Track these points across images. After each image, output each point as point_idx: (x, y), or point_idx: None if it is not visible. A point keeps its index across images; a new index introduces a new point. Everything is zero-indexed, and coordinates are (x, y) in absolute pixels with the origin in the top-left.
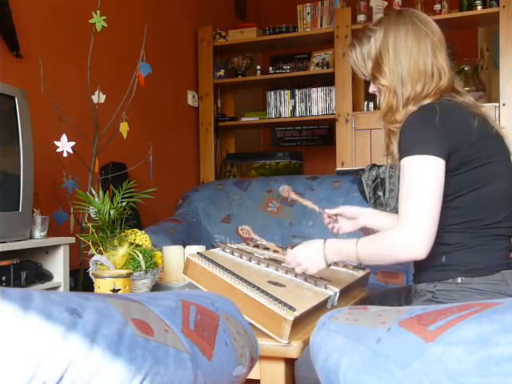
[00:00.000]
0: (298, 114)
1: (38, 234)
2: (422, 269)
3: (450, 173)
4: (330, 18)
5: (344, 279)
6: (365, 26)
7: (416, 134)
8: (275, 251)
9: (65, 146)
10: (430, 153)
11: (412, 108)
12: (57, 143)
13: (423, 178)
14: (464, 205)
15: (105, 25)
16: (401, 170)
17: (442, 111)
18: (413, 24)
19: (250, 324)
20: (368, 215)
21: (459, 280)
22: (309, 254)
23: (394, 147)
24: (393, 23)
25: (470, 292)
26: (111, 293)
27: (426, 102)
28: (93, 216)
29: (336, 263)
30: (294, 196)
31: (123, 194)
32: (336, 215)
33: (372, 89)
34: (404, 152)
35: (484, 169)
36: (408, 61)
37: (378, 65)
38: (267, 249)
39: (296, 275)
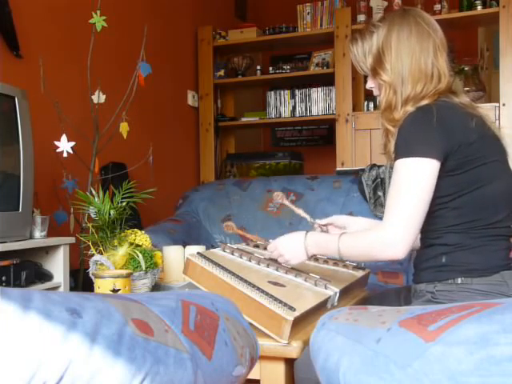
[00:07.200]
0: (298, 113)
1: (37, 234)
2: (421, 269)
3: (449, 173)
4: (330, 18)
5: (344, 279)
6: (369, 22)
7: (412, 136)
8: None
9: (65, 146)
10: (424, 155)
11: (410, 109)
12: (57, 143)
13: (413, 181)
14: (463, 205)
15: (105, 25)
16: (393, 171)
17: (439, 112)
18: (416, 23)
19: (250, 324)
20: (359, 224)
21: (459, 280)
22: (290, 246)
23: (392, 146)
24: (397, 21)
25: (470, 292)
26: (111, 293)
27: (424, 102)
28: (93, 216)
29: (336, 263)
30: (287, 202)
31: (123, 194)
32: (326, 225)
33: (369, 85)
34: (398, 153)
35: (483, 169)
36: (410, 60)
37: (379, 61)
38: (266, 249)
39: (296, 275)
